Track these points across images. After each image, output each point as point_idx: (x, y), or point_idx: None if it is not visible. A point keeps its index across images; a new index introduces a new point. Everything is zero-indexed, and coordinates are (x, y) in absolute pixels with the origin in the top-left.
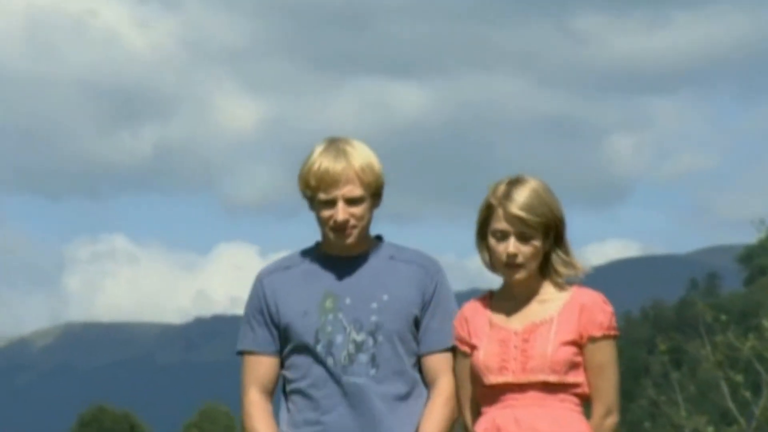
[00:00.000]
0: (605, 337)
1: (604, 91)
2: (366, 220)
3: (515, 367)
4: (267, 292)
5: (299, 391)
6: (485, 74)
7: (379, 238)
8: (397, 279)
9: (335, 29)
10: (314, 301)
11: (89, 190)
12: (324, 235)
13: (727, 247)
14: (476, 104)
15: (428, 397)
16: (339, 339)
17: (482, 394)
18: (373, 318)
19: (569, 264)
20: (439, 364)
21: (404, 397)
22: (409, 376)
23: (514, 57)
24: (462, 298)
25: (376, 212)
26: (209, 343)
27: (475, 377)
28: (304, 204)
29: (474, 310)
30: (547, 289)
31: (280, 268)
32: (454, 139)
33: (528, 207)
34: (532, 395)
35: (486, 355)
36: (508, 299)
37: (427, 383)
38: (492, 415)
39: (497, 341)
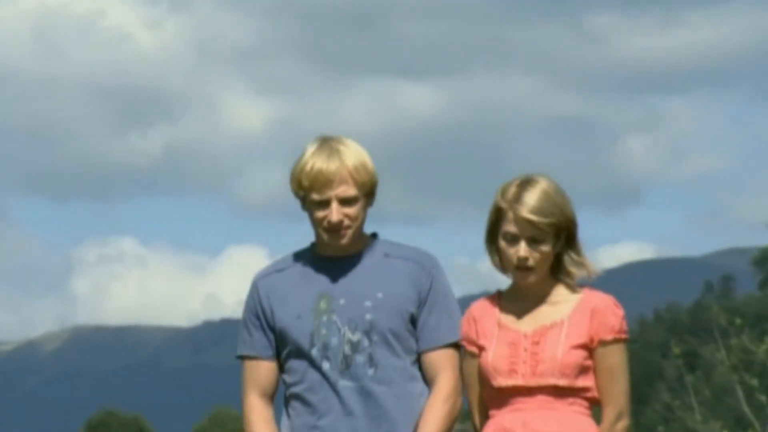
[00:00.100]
0: (616, 341)
1: (618, 92)
2: (360, 220)
3: (525, 371)
4: (262, 296)
5: (297, 396)
6: (498, 75)
7: (374, 236)
8: (391, 276)
9: (346, 29)
10: (308, 304)
11: (97, 192)
12: (318, 236)
13: (742, 249)
14: (489, 105)
15: (428, 395)
16: (334, 341)
17: (490, 396)
18: (368, 316)
19: (581, 265)
20: (439, 360)
21: (404, 396)
22: (408, 374)
23: (527, 57)
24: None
25: (387, 215)
26: (218, 347)
27: (483, 379)
28: None
29: (483, 309)
30: (558, 291)
31: (275, 270)
32: (466, 141)
33: (538, 210)
34: (541, 399)
35: (495, 357)
36: (517, 300)
37: (428, 380)
38: (500, 419)
39: (506, 343)
